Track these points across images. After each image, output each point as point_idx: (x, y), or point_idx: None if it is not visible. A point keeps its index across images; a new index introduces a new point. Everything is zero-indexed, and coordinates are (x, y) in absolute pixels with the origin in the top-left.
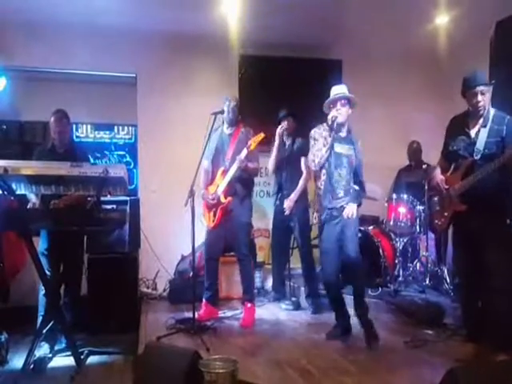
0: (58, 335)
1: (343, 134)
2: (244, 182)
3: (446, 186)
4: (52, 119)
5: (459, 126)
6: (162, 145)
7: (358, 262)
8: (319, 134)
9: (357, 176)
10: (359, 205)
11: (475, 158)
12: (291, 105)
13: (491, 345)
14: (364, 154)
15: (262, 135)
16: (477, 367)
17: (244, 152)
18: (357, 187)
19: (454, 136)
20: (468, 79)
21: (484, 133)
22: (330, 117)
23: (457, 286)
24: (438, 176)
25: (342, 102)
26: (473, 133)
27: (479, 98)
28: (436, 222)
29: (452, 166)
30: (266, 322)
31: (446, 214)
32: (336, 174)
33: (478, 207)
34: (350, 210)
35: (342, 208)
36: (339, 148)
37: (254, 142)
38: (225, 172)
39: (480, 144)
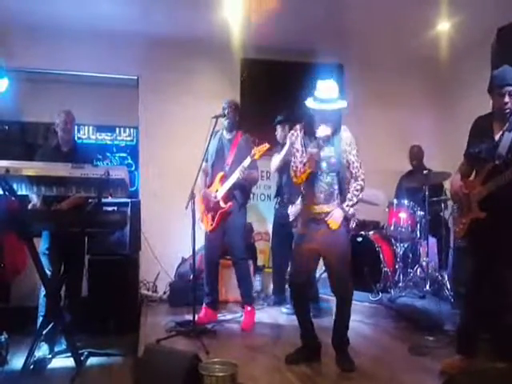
0: (58, 336)
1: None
2: (243, 189)
3: (466, 191)
4: (61, 117)
5: (483, 127)
6: (164, 147)
7: (349, 289)
8: (295, 137)
9: (341, 181)
10: (346, 219)
11: (496, 162)
12: (292, 109)
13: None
14: (364, 159)
15: (267, 146)
16: (475, 374)
17: (247, 161)
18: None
19: (477, 137)
20: (496, 76)
21: (508, 137)
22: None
23: (460, 296)
24: (457, 182)
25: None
26: (497, 136)
27: (506, 99)
28: (455, 228)
29: (474, 171)
30: (265, 326)
31: (464, 220)
32: (317, 179)
33: (498, 216)
34: (335, 215)
35: (323, 214)
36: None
37: (258, 151)
38: (224, 177)
39: (503, 148)
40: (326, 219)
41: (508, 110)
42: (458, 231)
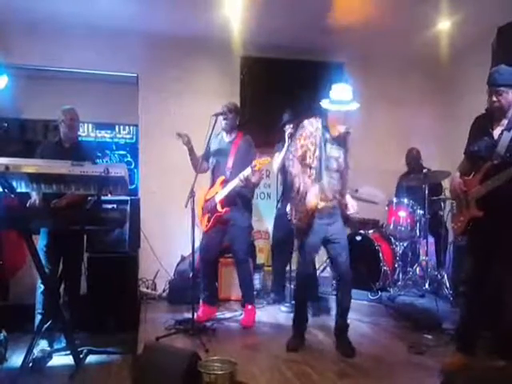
0: (57, 334)
1: (336, 132)
2: (245, 194)
3: (464, 189)
4: (66, 114)
5: (483, 124)
6: (163, 145)
7: (349, 276)
8: (315, 134)
9: (343, 178)
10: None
11: (494, 162)
12: (293, 108)
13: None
14: (364, 157)
15: (268, 159)
16: (474, 372)
17: (248, 171)
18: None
19: (477, 136)
20: (489, 75)
21: (507, 136)
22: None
23: (459, 294)
24: (456, 180)
25: None
26: (496, 134)
27: (493, 98)
28: (452, 225)
29: (473, 169)
30: (265, 324)
31: (462, 218)
32: (327, 176)
33: (495, 215)
34: (352, 203)
35: (334, 209)
36: (330, 149)
37: (259, 163)
38: (224, 181)
39: (501, 148)
40: (348, 213)
41: (495, 109)
42: (455, 228)
